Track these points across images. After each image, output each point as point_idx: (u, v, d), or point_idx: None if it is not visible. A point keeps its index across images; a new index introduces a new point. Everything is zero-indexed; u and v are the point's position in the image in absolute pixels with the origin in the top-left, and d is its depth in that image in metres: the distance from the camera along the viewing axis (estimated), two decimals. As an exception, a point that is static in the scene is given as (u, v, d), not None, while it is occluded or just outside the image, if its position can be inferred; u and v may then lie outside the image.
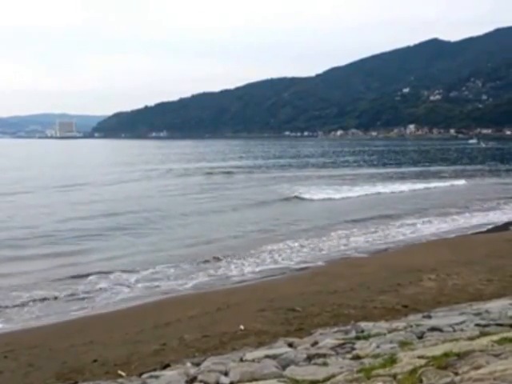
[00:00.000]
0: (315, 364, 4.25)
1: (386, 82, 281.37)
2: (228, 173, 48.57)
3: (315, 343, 5.35)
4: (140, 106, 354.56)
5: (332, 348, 4.82)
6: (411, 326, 5.69)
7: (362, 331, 5.81)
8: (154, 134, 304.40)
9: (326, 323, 8.33)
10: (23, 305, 11.45)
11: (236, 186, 36.95)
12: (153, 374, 5.16)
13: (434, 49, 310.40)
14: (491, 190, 33.07)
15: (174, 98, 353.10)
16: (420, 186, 35.20)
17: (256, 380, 3.94)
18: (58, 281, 13.37)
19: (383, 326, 6.13)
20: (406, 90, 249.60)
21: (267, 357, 4.71)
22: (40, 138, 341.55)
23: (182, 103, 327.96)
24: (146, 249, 16.84)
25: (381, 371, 3.53)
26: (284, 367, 4.24)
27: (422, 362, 3.54)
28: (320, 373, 3.89)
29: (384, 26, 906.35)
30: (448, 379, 3.06)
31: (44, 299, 11.84)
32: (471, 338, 4.36)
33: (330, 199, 29.07)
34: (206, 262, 15.13)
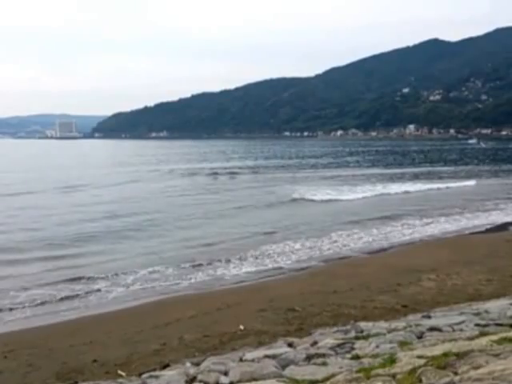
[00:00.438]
0: (315, 364, 4.25)
1: (386, 82, 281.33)
2: (231, 173, 48.24)
3: (315, 343, 5.35)
4: (140, 106, 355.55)
5: (331, 348, 4.82)
6: (411, 326, 5.69)
7: (362, 331, 5.81)
8: (153, 135, 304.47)
9: (325, 323, 8.33)
10: (23, 306, 11.45)
11: (239, 187, 36.71)
12: (152, 373, 5.16)
13: (433, 49, 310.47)
14: (502, 189, 32.90)
15: (174, 98, 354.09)
16: (432, 186, 34.78)
17: (255, 380, 3.94)
18: (57, 282, 13.37)
19: (383, 325, 6.13)
20: (405, 90, 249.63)
21: (267, 357, 4.71)
22: (40, 138, 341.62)
23: (182, 103, 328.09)
24: (147, 250, 16.76)
25: (380, 371, 3.53)
26: (283, 367, 4.24)
27: (422, 361, 3.54)
28: (319, 373, 3.89)
29: (384, 26, 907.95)
30: (447, 379, 3.06)
31: (43, 300, 11.84)
32: (470, 338, 4.36)
33: (337, 200, 28.83)
34: (209, 263, 15.12)
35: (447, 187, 34.60)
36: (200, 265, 14.81)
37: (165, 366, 5.98)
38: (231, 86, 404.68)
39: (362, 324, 6.43)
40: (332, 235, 18.71)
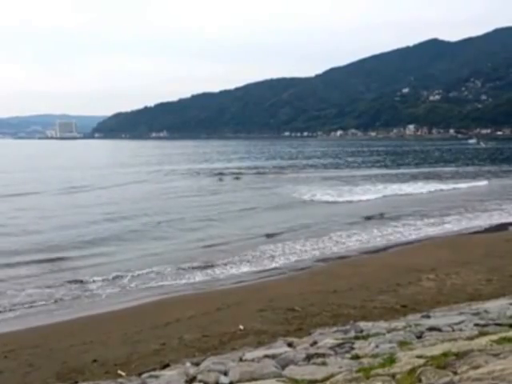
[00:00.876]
0: (314, 364, 4.25)
1: (386, 82, 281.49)
2: (233, 174, 47.79)
3: (314, 343, 5.35)
4: (140, 106, 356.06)
5: (331, 348, 4.82)
6: (410, 326, 5.69)
7: (361, 331, 5.82)
8: (153, 135, 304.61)
9: (325, 323, 8.34)
10: (23, 306, 11.46)
11: (243, 188, 36.38)
12: (152, 373, 5.16)
13: (433, 49, 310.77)
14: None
15: (174, 98, 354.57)
16: (445, 186, 34.46)
17: (255, 380, 3.94)
18: (57, 282, 13.39)
19: (382, 325, 6.13)
20: (405, 91, 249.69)
21: (266, 356, 4.71)
22: (40, 138, 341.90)
23: (182, 104, 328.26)
24: (147, 252, 16.73)
25: (380, 371, 3.54)
26: (283, 367, 4.24)
27: (421, 361, 3.55)
28: (319, 372, 3.89)
29: (383, 27, 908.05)
30: (447, 379, 3.07)
31: (42, 300, 11.86)
32: (470, 338, 4.37)
33: (350, 202, 28.41)
34: (209, 263, 15.13)
35: (458, 188, 33.98)
36: (200, 265, 14.82)
37: (165, 366, 5.99)
38: (231, 86, 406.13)
39: (362, 324, 6.44)
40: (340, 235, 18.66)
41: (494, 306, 7.20)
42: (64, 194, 33.15)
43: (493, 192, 31.28)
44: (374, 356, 4.18)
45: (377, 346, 4.61)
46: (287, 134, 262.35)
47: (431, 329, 5.25)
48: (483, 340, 4.02)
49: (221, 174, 48.09)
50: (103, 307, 11.27)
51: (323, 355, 4.48)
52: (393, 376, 3.35)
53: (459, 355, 3.52)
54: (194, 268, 14.53)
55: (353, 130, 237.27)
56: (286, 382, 3.78)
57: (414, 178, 42.56)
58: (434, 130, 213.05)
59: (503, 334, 4.21)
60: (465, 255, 14.18)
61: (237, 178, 44.51)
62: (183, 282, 13.29)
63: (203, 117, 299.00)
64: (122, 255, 16.22)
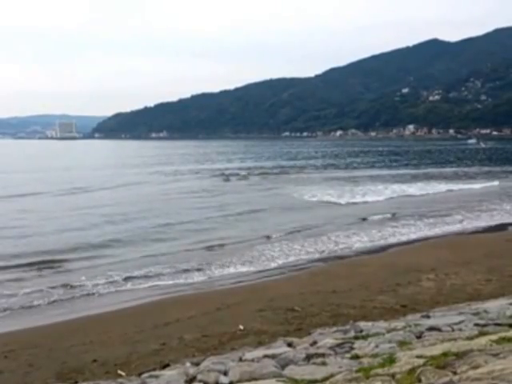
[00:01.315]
0: (314, 364, 4.26)
1: (386, 82, 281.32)
2: (237, 175, 47.31)
3: (314, 343, 5.36)
4: (140, 106, 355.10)
5: (331, 348, 4.83)
6: (410, 326, 5.70)
7: (361, 331, 5.82)
8: (153, 135, 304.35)
9: (325, 323, 8.34)
10: (22, 306, 11.47)
11: (247, 189, 35.95)
12: (152, 373, 5.17)
13: (433, 49, 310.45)
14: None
15: (174, 98, 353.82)
16: (457, 186, 33.99)
17: (255, 379, 3.95)
18: (57, 282, 13.39)
19: (382, 325, 6.14)
20: (405, 91, 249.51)
21: (266, 356, 4.72)
22: (40, 138, 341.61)
23: (182, 104, 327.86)
24: (147, 253, 16.62)
25: (379, 371, 3.54)
26: (283, 367, 4.25)
27: (421, 361, 3.55)
28: (319, 372, 3.90)
29: (383, 27, 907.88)
30: (446, 379, 3.07)
31: (42, 300, 11.86)
32: (470, 338, 4.37)
33: (364, 203, 27.92)
34: (210, 263, 15.14)
35: (471, 188, 33.51)
36: (200, 265, 14.83)
37: (164, 366, 5.99)
38: (231, 86, 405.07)
39: (362, 324, 6.44)
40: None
41: (493, 305, 7.21)
42: (65, 195, 32.85)
43: (507, 192, 30.94)
44: (374, 356, 4.19)
45: (376, 346, 4.62)
46: (287, 134, 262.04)
47: (431, 329, 5.26)
48: (483, 340, 4.03)
49: (224, 174, 47.50)
50: (103, 307, 11.27)
51: (323, 355, 4.48)
52: (392, 376, 3.35)
53: (459, 355, 3.53)
54: (193, 268, 14.53)
55: (353, 130, 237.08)
56: (285, 381, 3.79)
57: (424, 178, 41.96)
58: (434, 130, 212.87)
59: (503, 334, 4.22)
60: (464, 255, 14.19)
61: (244, 177, 44.20)
62: (183, 282, 13.29)
63: (203, 117, 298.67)
64: (122, 256, 16.19)
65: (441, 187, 33.97)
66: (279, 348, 5.34)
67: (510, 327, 4.85)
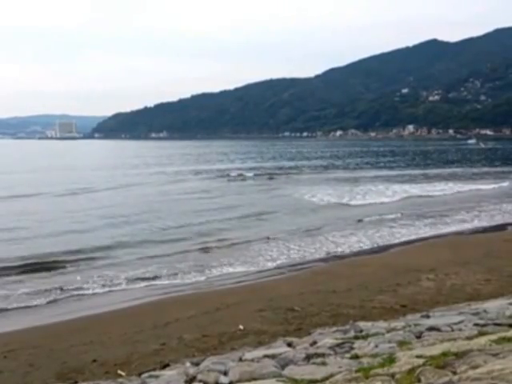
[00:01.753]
0: (314, 363, 4.26)
1: (385, 82, 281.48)
2: (240, 175, 46.74)
3: (314, 343, 5.36)
4: (139, 106, 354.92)
5: (331, 348, 4.83)
6: (410, 326, 5.70)
7: (361, 331, 5.82)
8: (153, 135, 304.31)
9: (324, 323, 8.35)
10: (21, 307, 11.47)
11: (251, 190, 35.49)
12: (152, 373, 5.17)
13: (433, 49, 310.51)
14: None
15: (174, 98, 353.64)
16: (467, 187, 33.77)
17: (255, 379, 3.95)
18: (56, 284, 13.39)
19: (382, 325, 6.14)
20: (405, 91, 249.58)
21: (266, 356, 4.72)
22: (40, 138, 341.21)
23: (182, 104, 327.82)
24: (147, 254, 16.58)
25: (379, 371, 3.54)
26: (283, 367, 4.25)
27: (421, 361, 3.55)
28: (319, 372, 3.90)
29: (383, 27, 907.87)
30: (446, 378, 3.07)
31: (40, 300, 11.87)
32: (469, 338, 4.37)
33: (369, 204, 27.41)
34: (209, 263, 15.14)
35: (481, 189, 33.22)
36: (200, 265, 14.83)
37: (164, 366, 6.00)
38: (231, 86, 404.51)
39: (361, 324, 6.44)
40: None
41: (493, 305, 7.21)
42: (65, 196, 32.62)
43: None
44: (374, 356, 4.19)
45: (376, 346, 4.62)
46: (287, 134, 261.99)
47: (430, 329, 5.26)
48: (482, 340, 4.03)
49: (228, 175, 46.92)
50: (103, 307, 11.27)
51: (323, 355, 4.48)
52: (392, 376, 3.36)
53: (458, 355, 3.53)
54: (193, 268, 14.54)
55: (352, 131, 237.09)
56: (285, 381, 3.79)
57: (433, 178, 41.67)
58: (434, 131, 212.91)
59: (502, 334, 4.22)
60: (464, 255, 14.20)
61: (248, 178, 43.79)
62: (182, 282, 13.30)
63: (203, 117, 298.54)
64: (121, 257, 16.19)
65: (452, 188, 33.69)
66: (279, 348, 5.34)
67: (510, 327, 4.85)
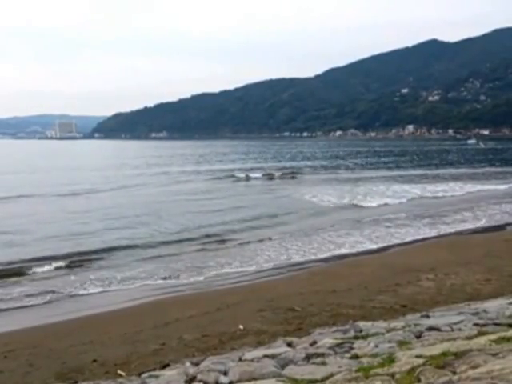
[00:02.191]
0: (314, 363, 4.26)
1: (385, 82, 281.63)
2: (244, 176, 46.18)
3: (314, 343, 5.36)
4: (139, 106, 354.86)
5: (330, 347, 4.83)
6: (409, 326, 5.70)
7: (361, 331, 5.82)
8: (153, 135, 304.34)
9: (324, 323, 8.35)
10: (21, 308, 11.47)
11: (255, 191, 35.09)
12: (152, 373, 5.17)
13: (432, 49, 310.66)
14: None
15: (174, 98, 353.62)
16: (482, 187, 33.55)
17: (255, 379, 3.95)
18: (55, 283, 13.39)
19: (381, 325, 6.14)
20: (404, 91, 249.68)
21: (266, 356, 4.72)
22: (40, 138, 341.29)
23: (182, 104, 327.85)
24: (147, 254, 16.55)
25: (379, 370, 3.54)
26: (283, 366, 4.25)
27: (420, 361, 3.55)
28: (319, 372, 3.90)
29: (383, 27, 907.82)
30: (446, 378, 3.07)
31: (40, 300, 11.88)
32: (469, 338, 4.37)
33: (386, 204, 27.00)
34: (212, 264, 15.14)
35: (496, 189, 32.97)
36: (200, 265, 14.84)
37: (164, 366, 5.99)
38: (231, 86, 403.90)
39: (361, 324, 6.44)
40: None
41: (492, 305, 7.22)
42: (65, 197, 32.32)
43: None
44: (374, 356, 4.19)
45: (376, 346, 4.62)
46: (287, 134, 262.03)
47: (430, 328, 5.26)
48: (482, 340, 4.03)
49: (233, 176, 46.23)
50: (103, 307, 11.27)
51: (323, 355, 4.48)
52: (392, 376, 3.36)
53: (458, 355, 3.53)
54: (193, 268, 14.54)
55: (352, 131, 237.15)
56: (285, 381, 3.79)
57: (441, 178, 41.44)
58: (433, 131, 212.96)
59: (502, 334, 4.23)
60: (464, 255, 14.20)
61: (250, 179, 43.64)
62: (182, 282, 13.30)
63: (203, 117, 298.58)
64: (122, 257, 16.19)
65: (462, 187, 33.48)
66: (279, 348, 5.34)
67: (509, 327, 4.86)
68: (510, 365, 3.01)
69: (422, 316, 7.03)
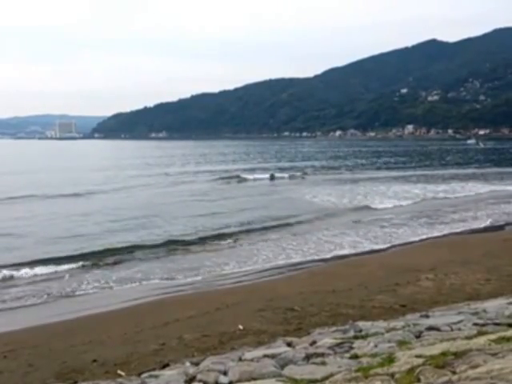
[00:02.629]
0: (314, 363, 4.26)
1: (385, 82, 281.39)
2: (245, 176, 45.74)
3: (314, 342, 5.36)
4: (139, 106, 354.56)
5: (330, 347, 4.83)
6: (409, 326, 5.71)
7: (360, 331, 5.83)
8: (153, 135, 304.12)
9: (324, 323, 8.35)
10: (20, 308, 11.47)
11: (265, 192, 34.58)
12: (152, 373, 5.17)
13: (432, 49, 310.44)
14: None
15: (174, 98, 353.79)
16: (496, 187, 33.25)
17: (255, 379, 3.96)
18: (55, 284, 13.39)
19: (381, 325, 6.15)
20: (404, 91, 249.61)
21: (266, 356, 4.72)
22: (40, 138, 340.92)
23: (181, 104, 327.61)
24: (147, 256, 16.43)
25: (379, 370, 3.55)
26: (283, 366, 4.25)
27: (420, 361, 3.56)
28: (318, 372, 3.90)
29: (382, 27, 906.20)
30: (446, 378, 3.08)
31: (40, 300, 11.88)
32: (469, 338, 4.38)
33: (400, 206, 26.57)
34: (212, 264, 15.15)
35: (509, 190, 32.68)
36: (200, 265, 14.84)
37: (164, 366, 5.99)
38: (230, 86, 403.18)
39: (361, 323, 6.45)
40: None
41: (492, 305, 7.22)
42: (66, 198, 32.16)
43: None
44: (373, 355, 4.20)
45: (376, 346, 4.63)
46: (286, 134, 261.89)
47: (430, 328, 5.27)
48: (482, 339, 4.04)
49: (238, 176, 45.68)
50: (102, 307, 11.28)
51: (322, 355, 4.49)
52: (392, 375, 3.36)
53: (458, 355, 3.54)
54: (193, 268, 14.55)
55: (352, 131, 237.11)
56: (285, 381, 3.80)
57: (450, 178, 41.13)
58: (433, 131, 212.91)
59: (502, 334, 4.23)
60: (463, 255, 14.21)
61: (255, 180, 43.33)
62: (182, 282, 13.30)
63: (203, 117, 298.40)
64: (122, 258, 16.18)
65: (472, 188, 33.23)
66: (279, 348, 5.34)
67: (509, 327, 4.86)
68: (510, 364, 3.01)
69: (422, 316, 7.03)
